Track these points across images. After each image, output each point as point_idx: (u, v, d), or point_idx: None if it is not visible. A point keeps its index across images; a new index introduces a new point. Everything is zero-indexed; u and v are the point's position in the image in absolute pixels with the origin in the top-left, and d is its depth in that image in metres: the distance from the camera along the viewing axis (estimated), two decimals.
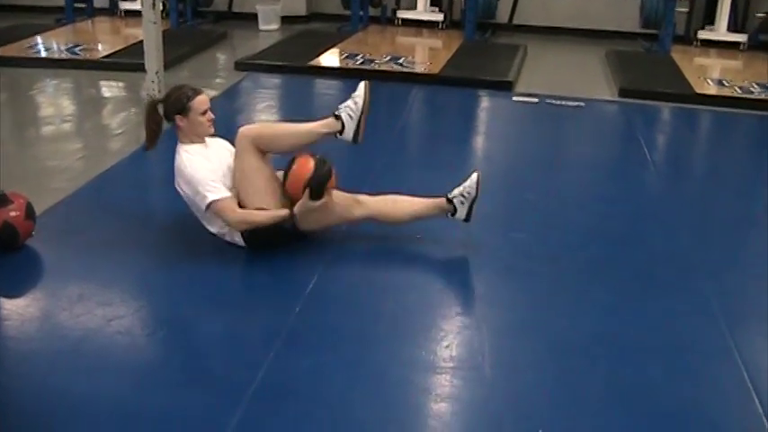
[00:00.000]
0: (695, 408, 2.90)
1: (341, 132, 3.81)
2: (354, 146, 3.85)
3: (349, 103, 3.81)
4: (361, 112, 3.79)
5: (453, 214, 3.90)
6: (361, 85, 3.85)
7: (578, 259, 3.98)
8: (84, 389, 2.87)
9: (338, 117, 3.81)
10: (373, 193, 3.96)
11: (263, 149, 3.79)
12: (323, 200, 3.66)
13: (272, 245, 3.79)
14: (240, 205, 3.74)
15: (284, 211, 3.71)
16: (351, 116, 3.80)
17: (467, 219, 3.90)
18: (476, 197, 3.86)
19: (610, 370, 3.09)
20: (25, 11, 10.55)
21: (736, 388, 2.99)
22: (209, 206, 3.71)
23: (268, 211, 3.74)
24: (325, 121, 3.84)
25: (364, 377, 2.98)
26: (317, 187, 3.64)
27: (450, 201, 3.89)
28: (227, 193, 3.72)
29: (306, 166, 3.71)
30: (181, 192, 3.82)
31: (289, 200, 3.76)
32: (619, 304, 3.57)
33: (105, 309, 3.34)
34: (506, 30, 10.23)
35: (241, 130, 3.81)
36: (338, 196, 3.81)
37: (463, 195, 3.87)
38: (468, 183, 3.86)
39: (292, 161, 3.77)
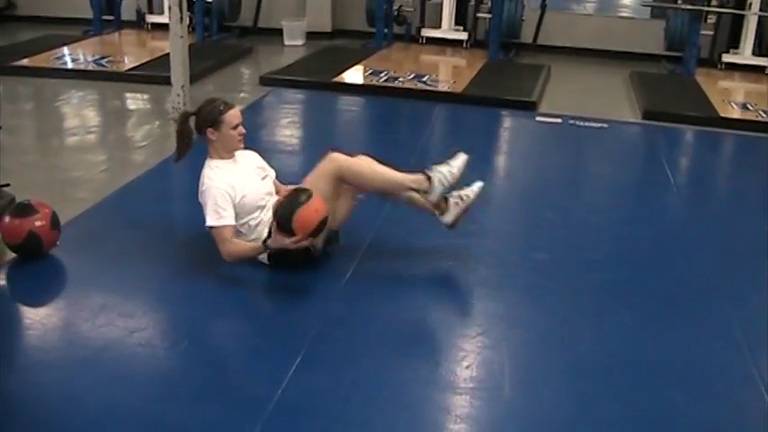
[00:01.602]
0: None
1: (441, 212, 3.86)
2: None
3: (443, 169, 3.81)
4: (468, 204, 3.87)
5: (426, 193, 3.80)
6: (461, 157, 3.87)
7: (599, 280, 3.97)
8: (103, 399, 2.88)
9: (429, 178, 3.80)
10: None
11: (344, 181, 3.82)
12: (309, 242, 3.62)
13: (295, 265, 3.79)
14: None
15: (258, 246, 3.67)
16: (442, 182, 3.79)
17: (452, 225, 3.87)
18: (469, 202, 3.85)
19: (630, 393, 3.07)
20: (53, 22, 10.65)
21: (758, 414, 2.97)
22: (209, 227, 3.74)
23: (249, 244, 3.75)
24: (415, 177, 3.84)
25: (383, 396, 2.98)
26: (317, 232, 3.58)
27: (428, 178, 3.79)
28: (230, 222, 3.72)
29: (320, 203, 3.57)
30: (200, 202, 3.84)
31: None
32: (640, 327, 3.55)
33: (127, 320, 3.36)
34: (530, 50, 10.23)
35: (334, 155, 3.85)
36: (328, 174, 3.80)
37: (445, 176, 3.81)
38: (452, 161, 3.84)
39: (299, 193, 3.60)
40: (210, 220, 3.72)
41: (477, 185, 3.90)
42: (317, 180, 3.80)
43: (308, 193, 3.57)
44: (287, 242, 3.54)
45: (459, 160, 3.85)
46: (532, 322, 3.60)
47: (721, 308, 3.72)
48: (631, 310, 3.69)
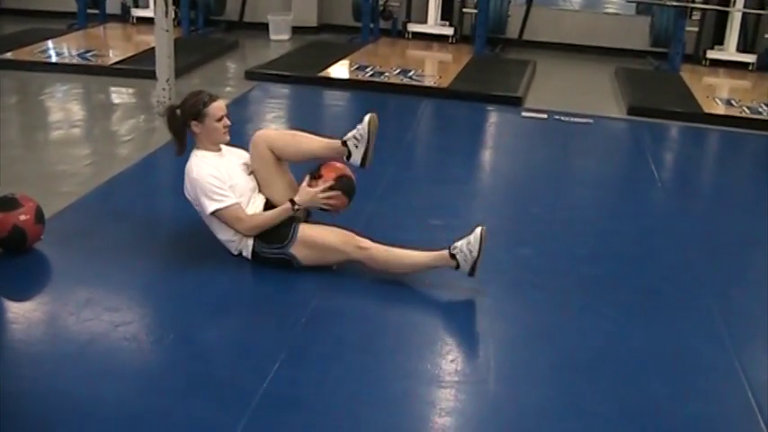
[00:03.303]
0: (700, 426, 2.90)
1: (348, 157, 3.88)
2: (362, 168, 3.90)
3: (354, 132, 3.87)
4: (368, 142, 3.85)
5: (457, 268, 3.69)
6: (366, 117, 3.89)
7: (584, 275, 3.99)
8: (89, 393, 2.88)
9: (344, 144, 3.87)
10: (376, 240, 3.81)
11: (276, 154, 3.86)
12: (335, 194, 3.75)
13: (278, 264, 3.80)
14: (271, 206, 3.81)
15: (287, 206, 3.74)
16: (356, 146, 3.85)
17: (471, 273, 3.68)
18: (478, 256, 3.64)
19: (615, 386, 3.09)
20: (38, 15, 10.59)
21: (740, 407, 2.99)
22: (213, 213, 3.73)
23: (272, 211, 3.78)
24: (333, 144, 3.91)
25: (369, 389, 2.98)
26: (345, 184, 3.83)
27: (453, 256, 3.67)
28: (234, 200, 3.73)
29: (343, 168, 3.89)
30: (188, 196, 3.83)
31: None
32: (624, 321, 3.57)
33: (112, 314, 3.35)
34: (516, 45, 10.25)
35: (258, 133, 3.92)
36: (342, 234, 3.77)
37: (466, 251, 3.68)
38: (471, 237, 3.67)
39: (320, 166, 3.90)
40: (212, 206, 3.71)
41: (477, 231, 3.69)
42: (262, 168, 3.89)
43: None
44: (315, 193, 3.73)
45: (477, 235, 3.66)
46: (518, 316, 3.62)
47: (705, 302, 3.75)
48: (616, 304, 3.71)
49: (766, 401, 3.00)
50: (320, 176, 3.83)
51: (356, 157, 3.86)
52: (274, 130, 4.00)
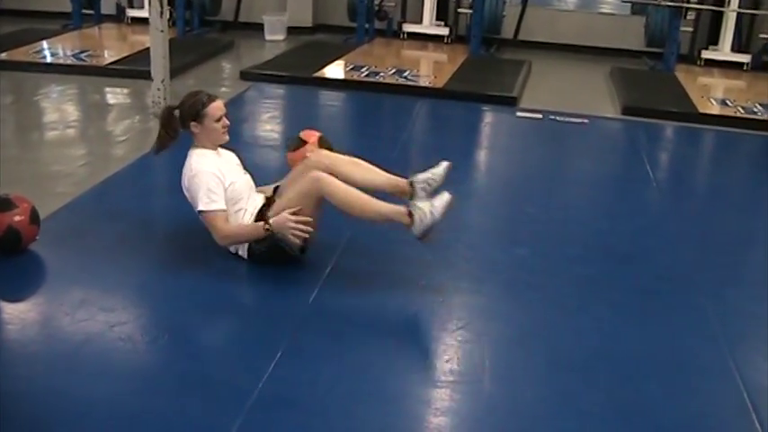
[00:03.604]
0: (694, 426, 2.91)
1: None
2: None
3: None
4: (435, 222, 3.61)
5: (410, 227, 3.61)
6: (447, 198, 3.63)
7: (579, 275, 3.99)
8: (84, 393, 2.87)
9: (411, 214, 3.62)
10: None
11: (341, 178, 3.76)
12: (308, 220, 3.64)
13: (275, 261, 3.80)
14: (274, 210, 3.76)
15: (260, 225, 3.68)
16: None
17: (422, 237, 3.62)
18: (435, 222, 3.58)
19: (609, 386, 3.09)
20: (32, 16, 10.57)
21: (735, 406, 2.99)
22: (201, 212, 3.74)
23: (247, 225, 3.77)
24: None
25: (364, 389, 2.98)
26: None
27: (410, 214, 3.60)
28: (221, 206, 3.73)
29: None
30: (185, 191, 3.83)
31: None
32: (619, 321, 3.58)
33: (107, 314, 3.35)
34: (511, 45, 10.26)
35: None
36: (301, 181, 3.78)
37: (428, 183, 3.77)
38: (436, 201, 3.62)
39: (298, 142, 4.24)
40: (202, 205, 3.71)
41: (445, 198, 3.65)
42: (297, 197, 3.72)
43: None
44: (288, 219, 3.60)
45: (443, 200, 3.62)
46: (513, 316, 3.62)
47: (700, 302, 3.75)
48: (611, 304, 3.72)
49: (760, 401, 3.00)
50: (303, 143, 4.16)
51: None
52: (335, 155, 3.90)
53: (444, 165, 3.84)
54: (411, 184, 3.81)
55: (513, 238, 4.41)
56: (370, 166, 3.93)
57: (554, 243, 4.36)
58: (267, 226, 3.65)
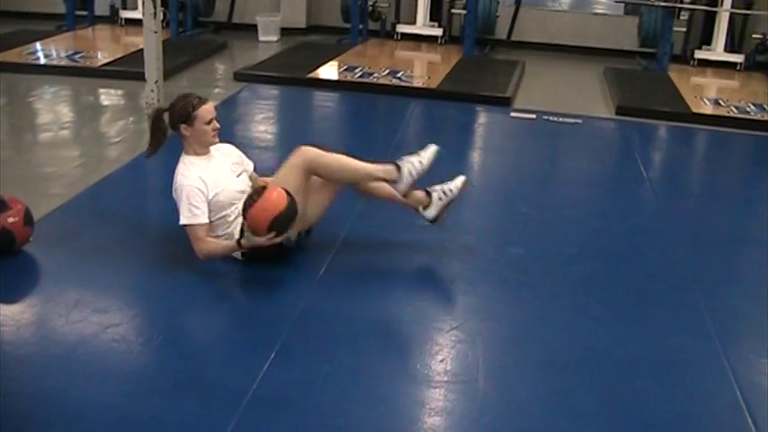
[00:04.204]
0: (688, 424, 2.91)
1: (396, 182, 3.88)
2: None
3: (413, 159, 3.89)
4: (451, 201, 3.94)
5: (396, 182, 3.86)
6: (461, 178, 3.96)
7: (573, 274, 4.00)
8: (78, 394, 2.88)
9: (399, 168, 3.88)
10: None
11: (315, 173, 3.85)
12: (281, 237, 3.61)
13: (269, 260, 3.80)
14: None
15: (234, 245, 3.70)
16: (411, 173, 3.88)
17: (434, 219, 3.91)
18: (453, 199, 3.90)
19: (603, 385, 3.10)
20: (26, 17, 10.56)
21: (728, 405, 3.00)
22: (183, 225, 3.73)
23: (223, 242, 3.76)
24: (384, 167, 3.90)
25: (359, 389, 2.99)
26: (279, 227, 3.55)
27: (398, 167, 3.87)
28: (203, 220, 3.71)
29: (270, 200, 3.56)
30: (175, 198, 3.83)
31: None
32: (613, 320, 3.58)
33: (101, 316, 3.34)
34: (505, 46, 10.27)
35: (303, 148, 3.87)
36: (298, 166, 3.81)
37: (414, 166, 3.89)
38: (422, 152, 3.89)
39: (261, 190, 3.63)
40: (184, 219, 3.71)
41: (460, 179, 3.95)
42: (286, 174, 3.82)
43: (258, 192, 3.59)
44: (260, 240, 3.57)
45: (429, 152, 3.90)
46: (507, 316, 3.63)
47: (693, 301, 3.76)
48: (605, 303, 3.72)
49: (754, 399, 3.01)
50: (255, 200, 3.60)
51: (432, 213, 3.93)
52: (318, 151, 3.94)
53: (432, 148, 3.96)
54: (398, 167, 3.90)
55: (507, 237, 4.41)
56: (355, 161, 3.97)
57: (548, 243, 4.36)
58: (240, 243, 3.66)
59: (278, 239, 3.58)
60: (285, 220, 3.56)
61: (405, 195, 3.88)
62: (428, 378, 3.08)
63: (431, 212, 3.92)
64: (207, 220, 3.73)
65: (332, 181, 3.90)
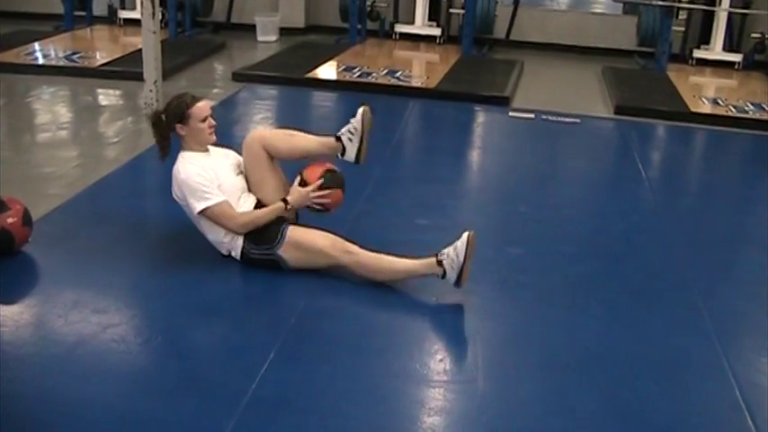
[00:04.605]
0: (687, 424, 2.92)
1: (342, 153, 3.92)
2: (357, 165, 3.94)
3: (349, 126, 3.91)
4: (362, 135, 3.90)
5: (444, 276, 3.61)
6: (360, 110, 3.92)
7: (572, 274, 4.00)
8: (77, 395, 2.88)
9: (339, 139, 3.92)
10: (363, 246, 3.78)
11: (270, 153, 3.89)
12: (326, 196, 3.75)
13: (265, 265, 3.80)
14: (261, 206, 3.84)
15: (280, 205, 3.76)
16: (351, 140, 3.91)
17: (457, 282, 3.59)
18: (465, 261, 3.57)
19: (603, 384, 3.10)
20: (24, 17, 10.56)
21: (728, 404, 3.00)
22: (202, 212, 3.72)
23: (264, 209, 3.80)
24: (327, 141, 3.95)
25: (358, 389, 2.99)
26: (331, 178, 3.83)
27: (440, 262, 3.60)
28: (221, 197, 3.72)
29: (323, 164, 3.91)
30: (176, 198, 3.83)
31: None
32: (612, 319, 3.58)
33: (100, 316, 3.34)
34: (504, 45, 10.27)
35: (252, 132, 3.97)
36: (331, 238, 3.75)
37: (350, 131, 3.93)
38: (458, 242, 3.61)
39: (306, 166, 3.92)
40: (201, 205, 3.70)
41: (464, 237, 3.63)
42: (255, 168, 3.91)
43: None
44: (307, 191, 3.76)
45: (463, 238, 3.60)
46: (506, 315, 3.63)
47: (692, 300, 3.76)
48: (604, 302, 3.72)
49: (753, 398, 3.01)
50: (305, 183, 3.83)
51: (351, 154, 3.91)
52: (268, 130, 4.02)
53: (360, 110, 3.94)
54: (337, 138, 3.93)
55: (506, 237, 4.41)
56: (304, 134, 4.01)
57: (547, 242, 4.36)
58: (288, 205, 3.76)
59: (323, 198, 3.78)
60: (335, 177, 3.86)
61: (457, 285, 3.62)
62: (427, 378, 3.08)
63: (450, 279, 3.63)
64: (224, 198, 3.73)
65: (282, 157, 3.97)
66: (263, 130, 3.94)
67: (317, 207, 3.85)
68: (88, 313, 3.36)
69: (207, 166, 3.80)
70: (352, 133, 3.90)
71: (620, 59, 9.78)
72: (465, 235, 3.61)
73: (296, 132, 4.01)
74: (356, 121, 3.90)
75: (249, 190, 3.92)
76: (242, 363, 3.09)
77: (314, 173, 3.84)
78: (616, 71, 8.99)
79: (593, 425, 2.87)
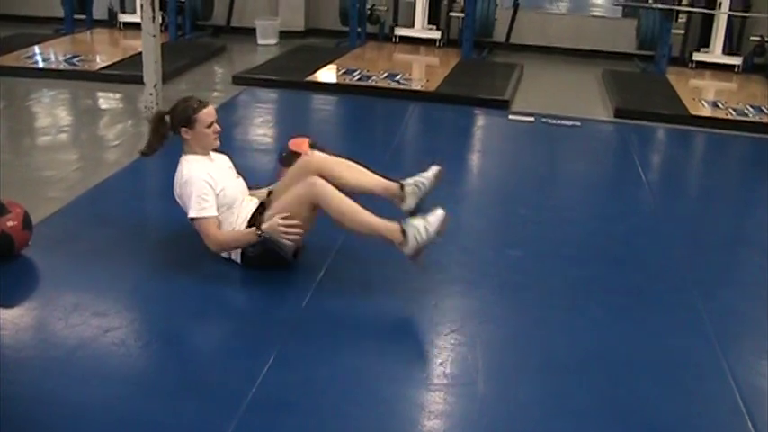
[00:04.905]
0: (687, 425, 2.92)
1: (401, 202, 3.83)
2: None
3: (417, 178, 3.84)
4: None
5: (402, 247, 3.59)
6: (434, 168, 3.88)
7: (572, 276, 4.00)
8: (78, 397, 2.87)
9: (402, 187, 3.83)
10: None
11: (331, 181, 3.75)
12: (295, 236, 3.65)
13: (268, 265, 3.80)
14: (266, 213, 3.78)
15: (252, 231, 3.69)
16: (415, 192, 3.82)
17: (413, 257, 3.60)
18: (431, 238, 3.57)
19: (603, 386, 3.10)
20: (24, 21, 10.57)
21: (727, 406, 3.00)
22: (193, 219, 3.74)
23: (239, 231, 3.78)
24: (390, 185, 3.86)
25: (358, 392, 2.99)
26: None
27: (404, 232, 3.58)
28: (212, 213, 3.73)
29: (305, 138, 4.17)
30: (177, 198, 3.83)
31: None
32: (612, 321, 3.58)
33: (100, 319, 3.34)
34: (503, 48, 10.28)
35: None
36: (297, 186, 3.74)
37: (417, 185, 3.83)
38: (431, 217, 3.60)
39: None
40: (193, 212, 3.71)
41: (438, 215, 3.63)
42: (292, 201, 3.71)
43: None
44: (279, 224, 3.59)
45: (438, 216, 3.60)
46: (506, 318, 3.63)
47: (692, 302, 3.76)
48: (604, 304, 3.72)
49: (753, 400, 3.01)
50: (294, 154, 4.09)
51: (410, 204, 3.82)
52: (331, 157, 3.90)
53: (434, 169, 3.86)
54: (401, 186, 3.82)
55: (506, 239, 4.41)
56: (362, 169, 3.93)
57: (547, 244, 4.37)
58: (259, 231, 3.65)
59: (296, 228, 3.62)
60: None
61: (411, 258, 3.65)
62: (427, 380, 3.08)
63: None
64: (216, 213, 3.74)
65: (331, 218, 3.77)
66: (326, 157, 3.85)
67: (283, 238, 3.66)
68: (88, 316, 3.36)
69: (212, 171, 3.80)
70: (418, 187, 3.82)
71: (619, 63, 9.80)
72: (440, 212, 3.59)
73: (353, 164, 3.92)
74: (426, 177, 3.84)
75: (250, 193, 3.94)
76: (242, 365, 3.09)
77: (302, 143, 4.13)
78: (616, 74, 9.00)
79: (593, 427, 2.87)
